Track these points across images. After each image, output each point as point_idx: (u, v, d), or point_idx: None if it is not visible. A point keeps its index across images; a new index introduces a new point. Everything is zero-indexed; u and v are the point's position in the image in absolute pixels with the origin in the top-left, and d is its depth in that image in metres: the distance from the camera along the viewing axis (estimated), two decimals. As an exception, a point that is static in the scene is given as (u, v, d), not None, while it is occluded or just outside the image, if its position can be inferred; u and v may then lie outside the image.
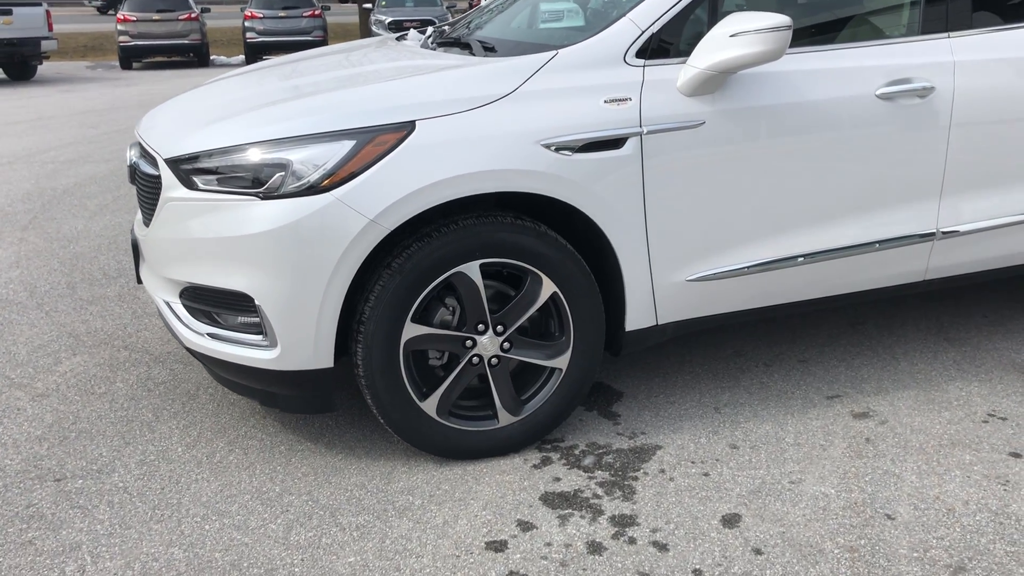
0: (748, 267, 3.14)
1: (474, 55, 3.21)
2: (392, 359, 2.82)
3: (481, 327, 2.90)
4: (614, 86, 2.89)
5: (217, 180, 2.78)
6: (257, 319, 2.79)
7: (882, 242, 3.27)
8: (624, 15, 2.99)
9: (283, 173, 2.69)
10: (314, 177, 2.67)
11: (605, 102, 2.86)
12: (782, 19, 2.77)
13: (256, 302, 2.75)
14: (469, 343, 2.90)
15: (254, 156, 2.73)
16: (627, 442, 3.12)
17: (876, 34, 3.26)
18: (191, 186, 2.82)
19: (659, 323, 3.14)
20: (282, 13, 20.38)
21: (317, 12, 20.57)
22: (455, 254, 2.79)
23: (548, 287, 2.93)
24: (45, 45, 17.34)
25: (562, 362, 3.02)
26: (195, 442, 3.17)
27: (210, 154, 2.80)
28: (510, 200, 2.99)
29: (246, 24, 20.58)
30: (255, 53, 20.21)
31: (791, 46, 3.11)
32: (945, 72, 3.20)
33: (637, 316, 3.09)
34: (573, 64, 2.91)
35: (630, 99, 2.88)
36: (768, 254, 3.15)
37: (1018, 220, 3.41)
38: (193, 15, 20.03)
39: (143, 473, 2.97)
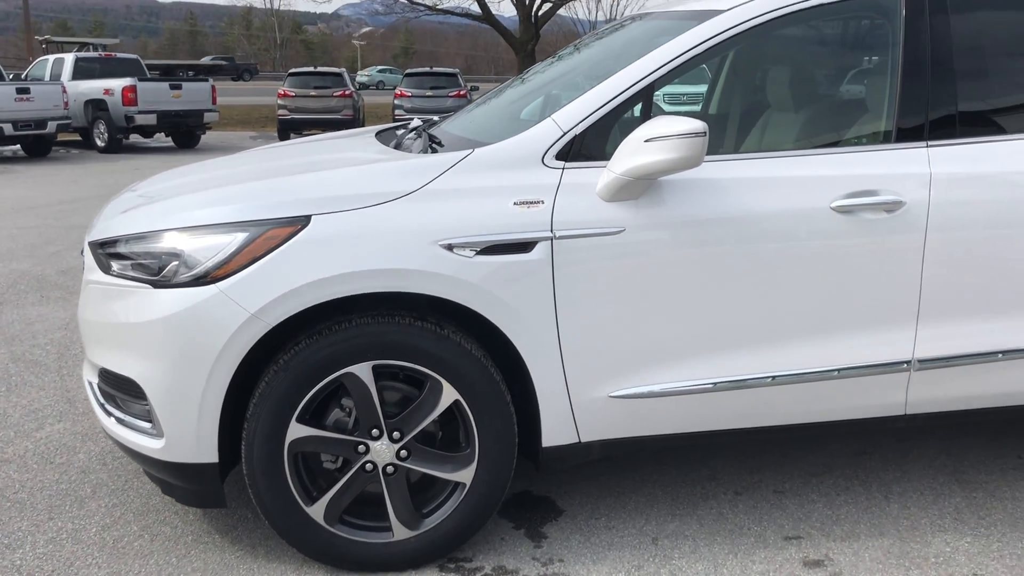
0: (683, 388, 2.87)
1: (429, 150, 3.12)
2: (275, 459, 2.72)
3: (375, 432, 2.76)
4: (526, 187, 2.74)
5: (130, 266, 2.80)
6: (148, 407, 2.77)
7: (844, 369, 2.92)
8: (550, 115, 2.85)
9: (177, 263, 2.68)
10: (203, 268, 2.64)
11: (514, 204, 2.72)
12: (696, 125, 2.56)
13: (144, 390, 2.72)
14: (362, 448, 2.77)
15: (158, 244, 2.74)
16: (538, 569, 2.88)
17: (838, 140, 2.96)
18: (107, 270, 2.86)
19: (582, 441, 2.91)
20: (429, 92, 21.17)
21: (462, 92, 21.24)
22: (344, 354, 2.68)
23: (449, 394, 2.76)
24: (208, 117, 18.70)
25: (466, 476, 2.83)
26: (114, 523, 3.16)
27: (126, 240, 2.83)
28: (423, 299, 2.86)
29: (395, 102, 21.50)
30: (402, 129, 21.01)
31: (735, 152, 2.90)
32: (919, 185, 2.86)
33: (555, 431, 2.87)
34: (487, 164, 2.78)
35: (542, 202, 2.72)
36: (706, 375, 2.87)
37: (1015, 352, 2.97)
38: (347, 92, 21.09)
39: (46, 553, 2.97)
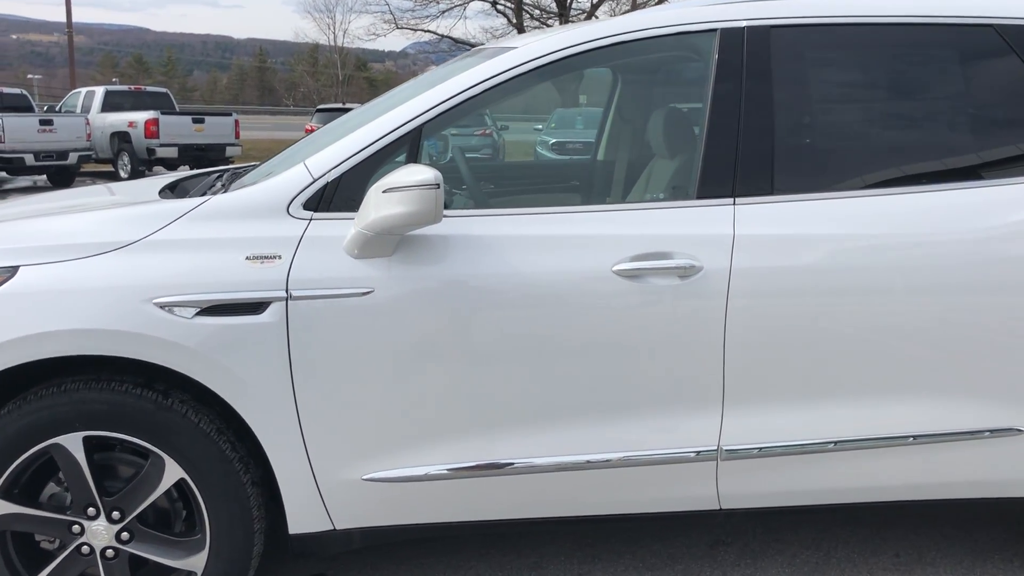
0: (448, 471, 2.52)
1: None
2: (-26, 538, 2.44)
3: (91, 511, 2.46)
4: (263, 240, 2.44)
5: None
6: None
7: (641, 456, 2.54)
8: (303, 160, 2.56)
9: None
10: (-100, 324, 2.38)
11: (247, 258, 2.41)
12: (428, 176, 2.24)
13: None
14: (76, 529, 2.47)
15: None
16: (280, 672, 2.53)
17: (634, 195, 2.60)
18: None
19: (337, 528, 2.57)
20: (454, 131, 21.03)
21: (487, 132, 21.07)
22: (49, 422, 2.40)
23: (173, 471, 2.46)
24: (230, 151, 18.83)
25: (196, 564, 2.52)
26: None
27: None
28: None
29: (421, 139, 21.44)
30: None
31: (509, 207, 2.57)
32: (719, 248, 2.48)
33: (303, 517, 2.54)
34: (224, 213, 2.49)
35: (279, 256, 2.42)
36: (474, 457, 2.52)
37: (837, 444, 2.56)
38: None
39: None
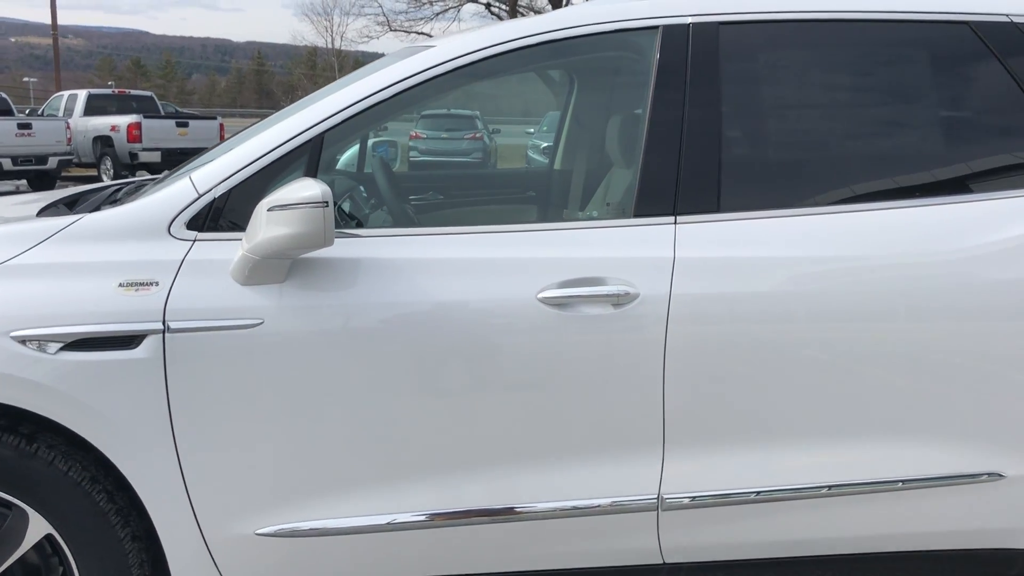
0: (349, 526, 2.23)
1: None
2: None
3: (-55, 571, 2.18)
4: (139, 264, 2.15)
5: None
6: None
7: (567, 507, 2.25)
8: (188, 173, 2.27)
9: None
10: None
11: (120, 286, 2.13)
12: (315, 192, 1.95)
13: None
14: (-73, 592, 2.18)
15: None
16: None
17: (565, 214, 2.32)
18: None
19: (230, 587, 2.28)
20: (444, 135, 20.79)
21: (479, 135, 20.81)
22: None
23: (38, 526, 2.17)
24: (214, 156, 18.54)
25: (67, 630, 2.22)
26: None
27: None
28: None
29: (410, 143, 21.18)
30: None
31: (432, 226, 2.28)
32: (658, 272, 2.19)
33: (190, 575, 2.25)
34: (97, 233, 2.20)
35: (156, 283, 2.13)
36: (380, 509, 2.23)
37: (793, 491, 2.28)
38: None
39: None
